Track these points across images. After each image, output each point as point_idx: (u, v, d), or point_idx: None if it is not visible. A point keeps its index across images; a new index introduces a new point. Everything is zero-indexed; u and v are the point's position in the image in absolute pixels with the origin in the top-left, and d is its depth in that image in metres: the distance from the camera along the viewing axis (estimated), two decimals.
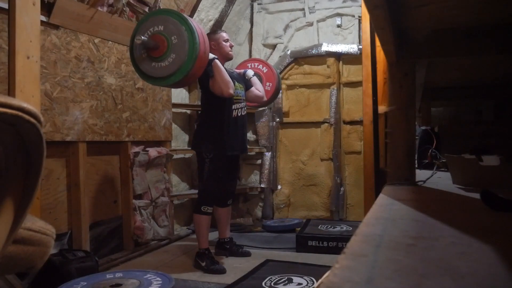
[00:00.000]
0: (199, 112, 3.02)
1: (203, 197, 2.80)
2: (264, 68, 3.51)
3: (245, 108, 2.92)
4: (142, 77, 2.45)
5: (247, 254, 2.99)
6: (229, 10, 4.10)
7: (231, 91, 2.64)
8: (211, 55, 2.62)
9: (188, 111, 4.02)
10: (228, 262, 2.85)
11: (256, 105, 3.40)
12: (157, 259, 2.87)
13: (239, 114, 2.83)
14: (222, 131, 2.75)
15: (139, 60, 2.39)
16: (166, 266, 2.76)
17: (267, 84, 3.45)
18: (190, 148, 3.90)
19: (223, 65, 2.75)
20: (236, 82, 2.83)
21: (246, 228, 3.88)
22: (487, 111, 4.20)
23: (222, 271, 2.64)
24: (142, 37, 2.29)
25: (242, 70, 3.18)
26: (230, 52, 2.87)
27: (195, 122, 3.97)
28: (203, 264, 2.70)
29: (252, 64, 3.55)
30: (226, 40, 2.86)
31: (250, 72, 3.12)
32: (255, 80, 3.10)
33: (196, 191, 3.82)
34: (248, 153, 4.31)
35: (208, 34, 2.84)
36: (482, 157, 1.63)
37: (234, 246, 3.03)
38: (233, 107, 2.79)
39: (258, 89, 3.07)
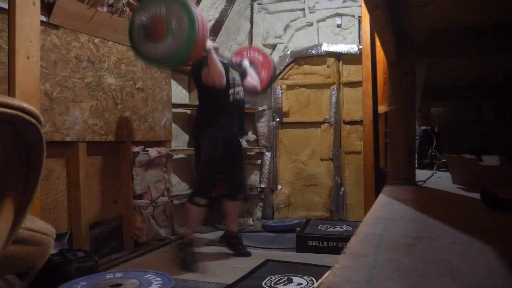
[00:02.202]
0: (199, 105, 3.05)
1: (197, 187, 2.87)
2: (260, 56, 3.54)
3: (242, 93, 2.98)
4: (137, 56, 2.46)
5: (247, 255, 2.98)
6: (229, 10, 4.10)
7: (223, 83, 2.71)
8: (208, 44, 2.65)
9: (188, 111, 4.02)
10: (228, 262, 2.85)
11: (252, 93, 3.43)
12: (157, 259, 2.87)
13: (237, 98, 2.90)
14: (220, 114, 2.82)
15: (137, 39, 2.40)
16: (166, 266, 2.76)
17: (263, 72, 3.49)
18: (190, 148, 3.92)
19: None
20: (231, 69, 2.91)
21: (246, 228, 3.88)
22: (487, 111, 4.20)
23: (196, 268, 2.67)
24: (143, 17, 2.30)
25: (238, 59, 3.25)
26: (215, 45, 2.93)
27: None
28: (181, 255, 2.74)
29: (248, 52, 3.58)
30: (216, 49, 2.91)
31: (246, 63, 3.19)
32: (250, 70, 3.17)
33: None
34: (248, 153, 4.32)
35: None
36: (482, 157, 1.63)
37: (240, 244, 3.03)
38: (229, 92, 2.86)
39: (253, 77, 3.15)
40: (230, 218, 3.05)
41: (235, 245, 3.01)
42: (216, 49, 2.74)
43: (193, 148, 3.87)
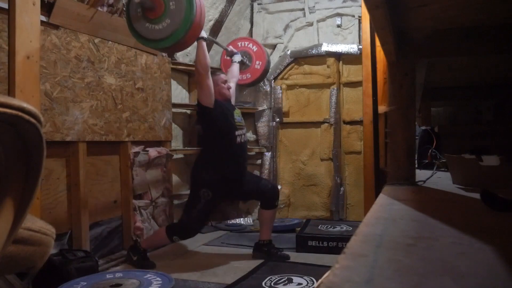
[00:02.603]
0: (200, 143, 3.04)
1: (181, 229, 2.79)
2: (254, 46, 3.55)
3: (245, 135, 2.97)
4: (133, 35, 2.44)
5: (286, 258, 2.88)
6: (229, 10, 4.09)
7: (207, 73, 2.67)
8: (202, 32, 2.64)
9: (188, 111, 4.02)
10: (228, 262, 2.85)
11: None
12: (157, 259, 2.87)
13: (242, 140, 2.87)
14: (225, 156, 2.78)
15: (134, 18, 2.39)
16: (166, 266, 2.76)
17: (257, 62, 3.50)
18: (190, 148, 3.92)
19: (226, 104, 2.87)
20: (234, 111, 2.90)
21: (246, 228, 3.88)
22: (487, 111, 4.20)
23: (153, 266, 2.70)
24: None
25: (234, 50, 3.29)
26: (227, 92, 2.95)
27: (195, 124, 3.98)
28: (135, 258, 2.75)
29: (242, 42, 3.59)
30: (224, 82, 2.94)
31: (237, 58, 3.27)
32: (235, 65, 3.24)
33: None
34: (248, 153, 4.32)
35: None
36: (482, 157, 1.63)
37: (273, 248, 2.94)
38: (236, 133, 2.82)
39: (234, 70, 3.21)
40: (265, 226, 2.97)
41: (270, 251, 2.91)
42: (205, 40, 2.72)
43: (193, 148, 3.89)
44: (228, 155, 2.79)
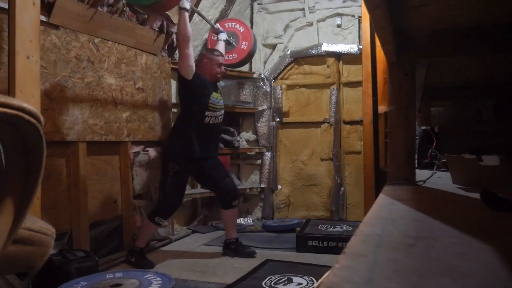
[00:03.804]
0: (177, 116, 3.08)
1: (160, 208, 2.86)
2: (241, 27, 3.59)
3: (221, 117, 2.98)
4: None
5: (252, 255, 2.96)
6: (229, 10, 4.09)
7: (188, 44, 2.72)
8: (186, 4, 2.69)
9: None
10: (228, 262, 2.85)
11: None
12: (157, 259, 2.87)
13: (211, 122, 2.89)
14: (191, 133, 2.82)
15: None
16: (166, 266, 2.76)
17: (243, 43, 3.54)
18: None
19: (209, 83, 2.90)
20: (214, 92, 2.92)
21: (246, 228, 3.88)
22: (487, 111, 4.20)
23: (150, 266, 2.71)
24: None
25: (220, 28, 3.33)
26: (218, 76, 2.99)
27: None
28: (133, 259, 2.77)
29: (230, 23, 3.63)
30: (219, 65, 2.97)
31: (222, 36, 3.31)
32: (221, 44, 3.28)
33: (196, 191, 3.84)
34: (248, 153, 4.32)
35: (206, 49, 3.09)
36: (482, 157, 1.63)
37: (240, 246, 3.02)
38: (206, 114, 2.85)
39: (220, 48, 3.22)
40: (228, 226, 3.04)
41: (237, 249, 3.00)
42: (187, 11, 2.74)
43: None
44: (194, 133, 2.83)
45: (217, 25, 3.38)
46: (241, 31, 3.56)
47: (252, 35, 3.56)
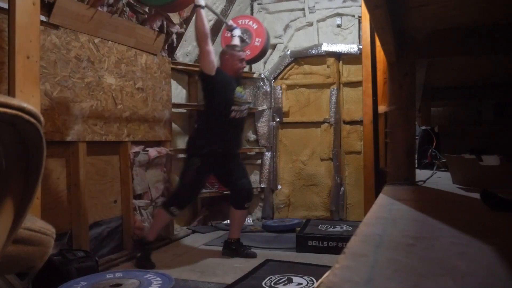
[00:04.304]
0: (198, 111, 3.07)
1: (176, 198, 2.88)
2: (255, 24, 3.57)
3: (246, 111, 3.00)
4: None
5: (253, 256, 2.95)
6: (229, 10, 4.09)
7: (207, 42, 2.72)
8: (201, 1, 2.70)
9: (188, 111, 4.02)
10: (228, 262, 2.85)
11: None
12: (157, 259, 2.87)
13: (237, 116, 2.89)
14: (218, 129, 2.84)
15: None
16: (166, 266, 2.76)
17: (257, 40, 3.52)
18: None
19: (232, 78, 2.90)
20: (238, 87, 2.94)
21: (246, 228, 3.88)
22: (487, 111, 4.20)
23: (152, 267, 2.70)
24: None
25: (234, 24, 3.33)
26: (240, 71, 3.01)
27: (195, 122, 3.98)
28: (138, 254, 2.78)
29: (243, 20, 3.61)
30: (241, 60, 2.98)
31: (236, 32, 3.31)
32: (235, 40, 3.28)
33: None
34: (248, 153, 4.32)
35: (227, 46, 3.10)
36: (482, 157, 1.63)
37: (241, 247, 3.02)
38: (232, 108, 2.85)
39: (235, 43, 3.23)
40: (234, 226, 3.04)
41: (237, 249, 2.99)
42: (203, 8, 2.74)
43: None
44: (220, 128, 2.84)
45: (231, 22, 3.38)
46: (254, 27, 3.54)
47: (266, 32, 3.54)
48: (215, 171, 3.01)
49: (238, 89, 2.92)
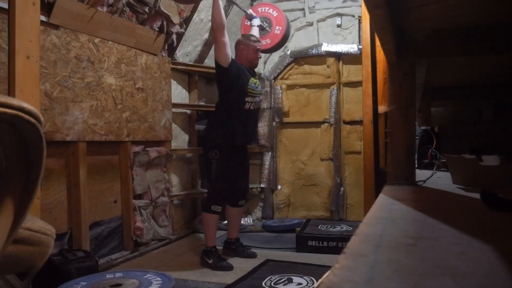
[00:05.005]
0: (216, 103, 3.04)
1: (212, 196, 2.87)
2: (275, 12, 3.52)
3: (259, 103, 2.99)
4: None
5: (252, 256, 2.96)
6: (229, 10, 4.09)
7: (222, 31, 2.70)
8: None
9: (188, 111, 4.02)
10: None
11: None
12: (157, 259, 2.87)
13: (251, 108, 2.88)
14: (232, 120, 2.82)
15: None
16: (166, 266, 2.76)
17: (277, 27, 3.47)
18: (190, 148, 3.92)
19: (246, 69, 2.88)
20: (252, 78, 2.92)
21: (246, 228, 3.88)
22: (487, 111, 4.20)
23: (229, 268, 2.69)
24: None
25: (253, 14, 3.29)
26: (255, 61, 2.99)
27: (195, 122, 3.98)
28: (210, 261, 2.74)
29: (263, 8, 3.56)
30: (257, 51, 2.96)
31: (256, 22, 3.28)
32: (254, 29, 3.24)
33: (196, 191, 3.84)
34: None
35: (243, 35, 3.07)
36: (482, 157, 1.63)
37: (240, 247, 3.03)
38: (246, 99, 2.84)
39: (253, 34, 3.18)
40: (231, 224, 3.05)
41: (237, 249, 3.00)
42: None
43: (192, 148, 3.89)
44: (235, 120, 2.83)
45: (250, 11, 3.35)
46: (274, 15, 3.49)
47: (286, 19, 3.48)
48: (235, 161, 2.97)
49: (252, 80, 2.90)
